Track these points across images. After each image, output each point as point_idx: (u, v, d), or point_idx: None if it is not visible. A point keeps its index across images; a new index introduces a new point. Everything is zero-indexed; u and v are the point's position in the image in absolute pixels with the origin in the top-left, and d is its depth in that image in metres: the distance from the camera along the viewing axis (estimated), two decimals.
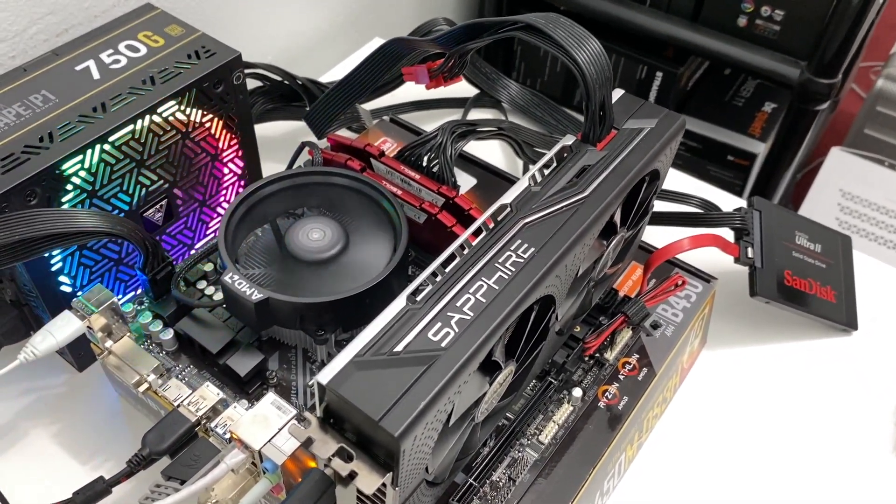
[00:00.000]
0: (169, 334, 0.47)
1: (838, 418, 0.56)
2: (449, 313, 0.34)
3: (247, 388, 0.46)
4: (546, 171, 0.41)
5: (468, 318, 0.34)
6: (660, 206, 0.58)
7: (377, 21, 0.91)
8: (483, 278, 0.35)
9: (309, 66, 0.83)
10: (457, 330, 0.33)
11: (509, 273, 0.36)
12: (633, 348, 0.50)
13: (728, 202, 0.69)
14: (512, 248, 0.37)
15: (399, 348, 0.32)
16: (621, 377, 0.49)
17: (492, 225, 0.38)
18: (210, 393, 0.45)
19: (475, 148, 0.64)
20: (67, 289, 0.49)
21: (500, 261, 0.36)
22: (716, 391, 0.56)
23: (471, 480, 0.43)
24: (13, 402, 0.52)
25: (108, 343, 0.46)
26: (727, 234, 0.57)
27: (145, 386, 0.46)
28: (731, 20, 0.86)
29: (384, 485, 0.32)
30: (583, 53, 0.39)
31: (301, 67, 0.82)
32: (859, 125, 1.25)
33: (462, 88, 0.74)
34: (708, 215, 0.56)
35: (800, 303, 0.57)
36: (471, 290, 0.35)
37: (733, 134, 0.99)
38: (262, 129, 0.66)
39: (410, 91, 0.72)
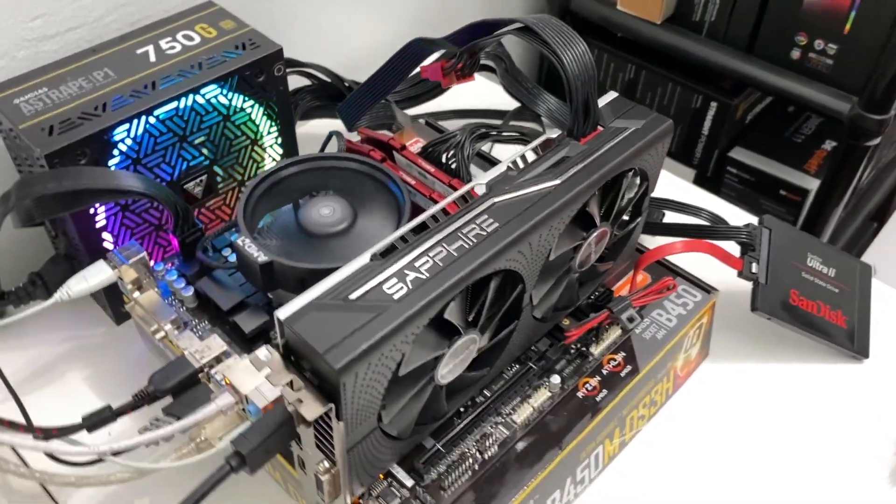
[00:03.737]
0: (189, 291, 0.52)
1: (839, 445, 0.55)
2: (406, 272, 0.37)
3: (251, 345, 0.50)
4: (529, 160, 0.44)
5: (423, 277, 0.37)
6: (669, 216, 0.60)
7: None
8: (444, 244, 0.38)
9: (360, 76, 0.88)
10: (410, 287, 0.36)
11: (470, 243, 0.39)
12: (621, 347, 0.52)
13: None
14: (478, 221, 0.40)
15: (354, 296, 0.36)
16: (604, 371, 0.51)
17: (467, 202, 0.41)
18: (216, 344, 0.49)
19: (501, 152, 0.67)
20: (109, 245, 0.55)
21: (464, 231, 0.39)
22: (712, 402, 0.57)
23: (439, 446, 0.45)
24: (55, 346, 0.58)
25: (136, 294, 0.52)
26: (735, 249, 0.57)
27: (162, 334, 0.50)
28: (785, 53, 0.87)
29: (329, 416, 0.35)
30: (568, 53, 0.42)
31: (357, 76, 0.87)
32: None
33: (505, 102, 0.78)
34: (714, 228, 0.58)
35: (804, 323, 0.57)
36: (431, 255, 0.38)
37: (788, 169, 0.99)
38: (308, 127, 0.72)
39: (452, 100, 0.76)
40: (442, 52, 0.53)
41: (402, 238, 0.39)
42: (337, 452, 0.37)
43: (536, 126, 0.78)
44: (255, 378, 0.44)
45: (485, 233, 0.39)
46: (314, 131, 0.73)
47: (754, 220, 0.70)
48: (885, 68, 0.78)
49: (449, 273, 0.37)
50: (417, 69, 0.55)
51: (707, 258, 0.56)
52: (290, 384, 0.36)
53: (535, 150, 0.44)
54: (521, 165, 0.43)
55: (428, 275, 0.37)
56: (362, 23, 0.86)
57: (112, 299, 0.58)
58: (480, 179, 0.42)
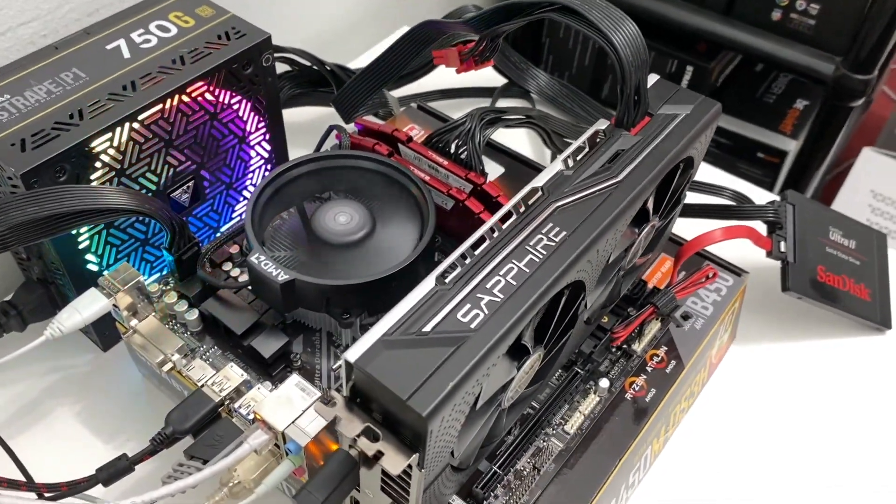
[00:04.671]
0: (194, 314, 0.47)
1: (869, 417, 0.54)
2: (479, 295, 0.33)
3: (270, 370, 0.46)
4: (578, 156, 0.40)
5: (498, 300, 0.33)
6: (691, 197, 0.57)
7: (406, 10, 0.90)
8: (514, 261, 0.35)
9: (337, 53, 0.82)
10: (487, 312, 0.33)
11: (541, 256, 0.35)
12: (662, 340, 0.50)
13: (758, 196, 0.68)
14: (543, 231, 0.36)
15: (428, 328, 0.32)
16: (649, 369, 0.48)
17: (522, 209, 0.38)
18: (234, 374, 0.44)
19: (503, 136, 0.63)
20: (94, 267, 0.49)
21: (531, 243, 0.35)
22: (744, 387, 0.55)
23: (495, 468, 0.42)
24: (38, 379, 0.52)
25: (134, 322, 0.46)
26: (759, 227, 0.56)
27: (169, 366, 0.45)
28: (765, 14, 0.85)
29: (410, 466, 0.31)
30: (619, 35, 0.39)
31: (329, 54, 0.82)
32: (891, 126, 1.23)
33: (490, 77, 0.74)
34: (740, 207, 0.55)
35: (833, 299, 0.56)
36: (501, 273, 0.34)
37: (764, 131, 0.98)
38: (290, 114, 0.66)
39: (438, 79, 0.72)
40: (458, 36, 0.48)
41: (462, 255, 0.35)
42: (412, 499, 0.33)
43: (528, 103, 0.74)
44: (290, 411, 0.39)
45: (554, 243, 0.35)
46: (298, 121, 0.68)
47: (745, 187, 0.69)
48: (870, 27, 0.77)
49: (525, 293, 0.33)
50: None
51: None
52: (366, 432, 0.31)
53: (584, 143, 0.40)
54: (571, 163, 0.40)
55: (503, 296, 0.33)
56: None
57: (98, 324, 0.52)
58: (536, 182, 0.38)
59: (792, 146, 0.96)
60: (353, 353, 0.31)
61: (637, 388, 0.47)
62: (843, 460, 0.52)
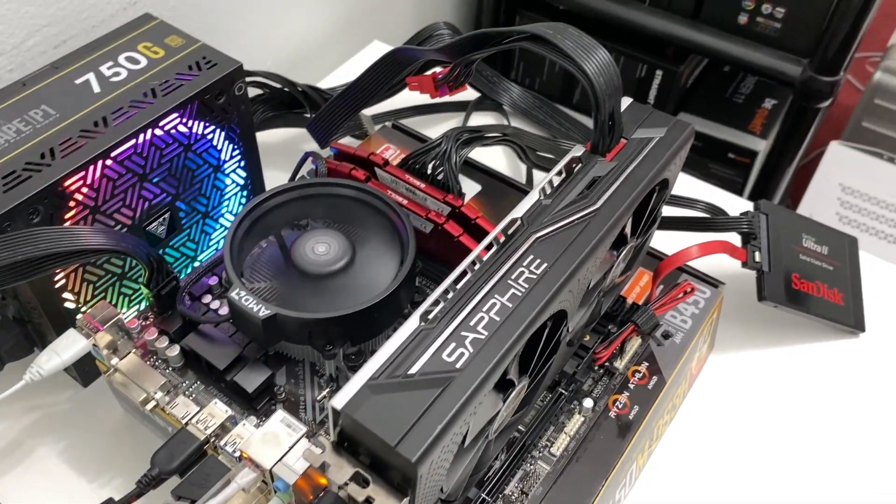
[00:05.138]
0: (175, 350, 0.47)
1: (848, 420, 0.55)
2: (463, 333, 0.33)
3: (255, 403, 0.46)
4: (556, 183, 0.40)
5: (482, 337, 0.33)
6: (667, 210, 0.58)
7: (376, 24, 0.90)
8: (496, 296, 0.35)
9: (309, 71, 0.82)
10: (471, 350, 0.33)
11: (522, 290, 0.35)
12: (643, 356, 0.50)
13: (729, 201, 0.69)
14: (524, 263, 0.36)
15: (413, 370, 0.32)
16: (631, 386, 0.49)
17: (503, 239, 0.38)
18: (218, 410, 0.44)
19: (479, 153, 0.63)
20: (71, 305, 0.49)
21: (512, 277, 0.36)
22: (724, 396, 0.56)
23: (483, 495, 0.42)
24: (18, 419, 0.52)
25: (114, 360, 0.46)
26: (734, 238, 0.56)
27: (153, 404, 0.45)
28: (732, 18, 0.86)
29: None
30: (592, 64, 0.39)
31: (301, 72, 0.81)
32: (857, 118, 1.24)
33: (463, 92, 0.74)
34: (715, 220, 0.56)
35: (808, 306, 0.57)
36: (484, 309, 0.34)
37: (734, 132, 0.99)
38: (263, 137, 0.66)
39: (411, 95, 0.72)
40: (425, 61, 0.48)
41: (445, 291, 0.35)
42: None
43: (501, 117, 0.75)
44: (277, 449, 0.39)
45: (535, 275, 0.36)
46: (272, 143, 0.68)
47: (716, 193, 0.70)
48: (835, 30, 0.78)
49: (509, 328, 0.34)
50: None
51: None
52: (355, 477, 0.32)
53: (560, 171, 0.41)
54: (549, 191, 0.40)
55: (487, 333, 0.33)
56: (294, 16, 0.79)
57: (77, 361, 0.51)
58: (515, 213, 0.38)
59: (762, 146, 0.97)
60: (339, 400, 0.31)
61: (620, 406, 0.48)
62: (823, 462, 0.53)
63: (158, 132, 0.48)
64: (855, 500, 0.51)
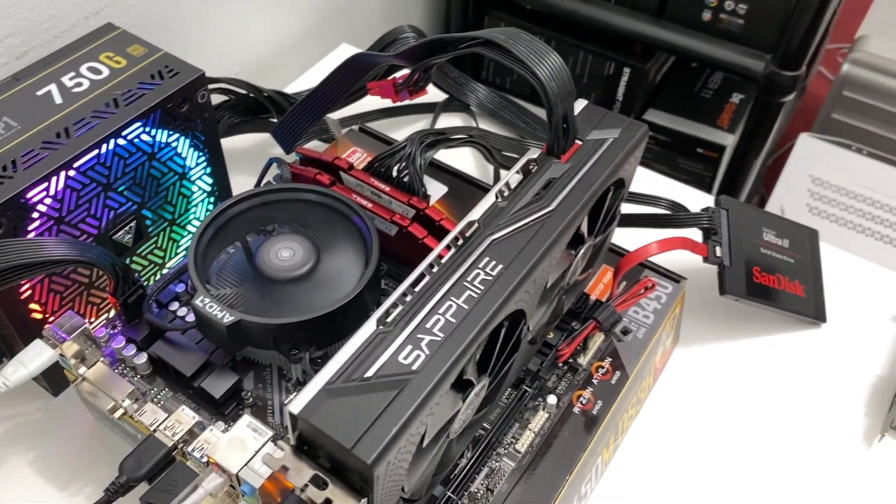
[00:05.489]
0: (143, 358, 0.47)
1: (811, 410, 0.57)
2: (419, 335, 0.34)
3: (222, 409, 0.46)
4: (512, 185, 0.41)
5: (438, 339, 0.34)
6: (628, 208, 0.59)
7: (343, 28, 0.91)
8: (452, 298, 0.35)
9: (277, 75, 0.82)
10: (427, 352, 0.33)
11: (478, 291, 0.36)
12: (606, 352, 0.51)
13: (695, 198, 0.70)
14: (480, 265, 0.37)
15: (370, 373, 0.33)
16: (595, 381, 0.50)
17: (460, 242, 0.38)
18: (186, 416, 0.45)
19: (445, 155, 0.64)
20: (38, 315, 0.49)
21: (468, 279, 0.36)
22: (690, 389, 0.57)
23: (449, 493, 0.43)
24: None
25: (82, 369, 0.46)
26: (696, 234, 0.57)
27: (121, 411, 0.45)
28: (696, 15, 0.87)
29: None
30: (543, 68, 0.40)
31: (269, 76, 0.82)
32: (827, 110, 1.26)
33: (430, 94, 0.74)
34: (676, 216, 0.57)
35: (769, 299, 0.58)
36: (440, 311, 0.35)
37: (702, 126, 1.00)
38: (230, 143, 0.66)
39: (378, 99, 0.72)
40: (387, 66, 0.49)
41: (403, 294, 0.36)
42: None
43: (469, 118, 0.75)
44: (243, 453, 0.40)
45: (491, 277, 0.36)
46: (239, 148, 0.68)
47: (683, 190, 0.71)
48: (796, 25, 0.79)
49: (465, 330, 0.34)
50: None
51: None
52: (314, 480, 0.32)
53: (517, 172, 0.41)
54: (506, 193, 0.41)
55: (443, 335, 0.34)
56: (260, 22, 0.80)
57: (46, 371, 0.52)
58: (471, 215, 0.39)
59: (730, 140, 0.98)
60: (296, 405, 0.31)
61: (584, 402, 0.48)
62: (787, 451, 0.54)
63: (121, 142, 0.49)
64: (820, 487, 0.52)
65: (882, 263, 0.66)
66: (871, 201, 1.19)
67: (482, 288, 0.36)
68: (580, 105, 0.45)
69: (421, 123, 0.75)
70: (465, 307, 0.35)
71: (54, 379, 0.53)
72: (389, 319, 0.35)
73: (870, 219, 1.18)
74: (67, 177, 0.46)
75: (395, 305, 0.35)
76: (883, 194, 1.18)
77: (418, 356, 0.33)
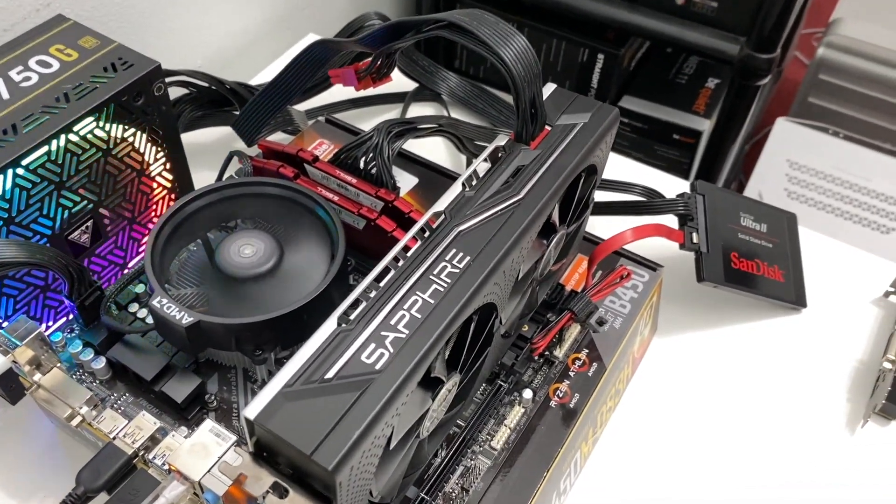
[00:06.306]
0: (101, 363, 0.45)
1: (793, 397, 0.56)
2: (383, 333, 0.32)
3: (185, 413, 0.45)
4: (480, 174, 0.40)
5: (403, 336, 0.32)
6: (602, 195, 0.58)
7: (310, 17, 0.88)
8: (418, 292, 0.34)
9: (242, 68, 0.80)
10: (392, 350, 0.32)
11: (445, 285, 0.34)
12: (583, 343, 0.50)
13: (672, 184, 0.69)
14: (447, 258, 0.35)
15: (330, 374, 0.31)
16: (571, 374, 0.48)
17: (427, 233, 0.37)
18: (147, 422, 0.43)
19: (416, 145, 0.62)
20: None
21: (434, 272, 0.35)
22: (669, 378, 0.56)
23: (422, 494, 0.42)
24: None
25: (37, 376, 0.44)
26: (672, 220, 0.56)
27: (79, 419, 0.43)
28: None
29: None
30: (509, 51, 0.38)
31: (235, 68, 0.79)
32: (804, 94, 1.26)
33: (401, 83, 0.73)
34: (651, 203, 0.56)
35: (748, 285, 0.57)
36: (405, 307, 0.33)
37: (678, 112, 0.99)
38: (193, 137, 0.64)
39: (347, 89, 0.70)
40: (348, 53, 0.47)
41: (367, 289, 0.34)
42: None
43: (441, 107, 0.74)
44: (206, 460, 0.38)
45: (458, 270, 0.35)
46: (202, 142, 0.66)
47: (659, 177, 0.70)
48: (770, 6, 0.78)
49: (431, 326, 0.33)
50: None
51: None
52: (274, 487, 0.31)
53: (485, 160, 0.40)
54: (474, 182, 0.39)
55: (407, 332, 0.33)
56: (223, 12, 0.77)
57: (2, 378, 0.50)
58: (438, 206, 0.37)
59: (706, 125, 0.97)
60: (252, 410, 0.30)
61: (561, 395, 0.47)
62: (769, 437, 0.53)
63: (73, 137, 0.47)
64: (805, 473, 0.51)
65: (861, 246, 0.65)
66: (848, 184, 1.18)
67: (449, 281, 0.34)
68: (549, 89, 0.44)
69: (391, 114, 0.73)
70: (432, 302, 0.34)
71: (10, 386, 0.50)
72: (352, 317, 0.33)
73: (848, 202, 1.18)
74: (16, 175, 0.44)
75: (357, 302, 0.34)
76: (860, 177, 1.18)
77: (382, 355, 0.32)
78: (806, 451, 0.53)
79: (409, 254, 0.36)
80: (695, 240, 0.55)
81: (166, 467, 0.41)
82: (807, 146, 1.21)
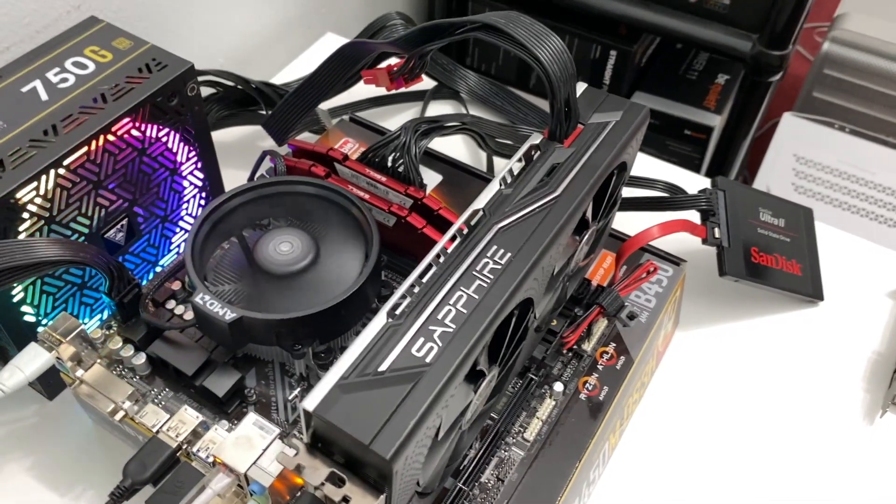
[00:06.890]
0: (141, 359, 0.46)
1: (812, 388, 0.57)
2: (431, 327, 0.33)
3: (226, 407, 0.46)
4: (515, 172, 0.40)
5: (450, 330, 0.33)
6: (626, 192, 0.59)
7: (328, 16, 0.89)
8: (462, 288, 0.35)
9: (262, 66, 0.81)
10: (440, 344, 0.33)
11: (488, 280, 0.35)
12: (610, 337, 0.51)
13: (688, 179, 0.69)
14: (488, 254, 0.36)
15: (383, 367, 0.32)
16: (600, 367, 0.49)
17: (466, 231, 0.38)
18: (189, 417, 0.44)
19: (437, 143, 0.63)
20: (31, 318, 0.48)
21: (477, 269, 0.36)
22: (691, 371, 0.57)
23: (460, 485, 0.43)
24: None
25: (79, 372, 0.45)
26: (693, 216, 0.57)
27: (121, 414, 0.45)
28: None
29: None
30: (545, 51, 0.39)
31: (254, 67, 0.80)
32: (808, 89, 1.27)
33: (420, 82, 0.74)
34: (674, 198, 0.57)
35: (767, 279, 0.58)
36: (451, 302, 0.34)
37: (689, 108, 1.00)
38: (219, 136, 0.65)
39: (367, 87, 0.71)
40: (378, 53, 0.48)
41: (411, 286, 0.35)
42: None
43: (459, 105, 0.74)
44: (251, 452, 0.39)
45: (500, 266, 0.36)
46: (229, 142, 0.67)
47: (673, 171, 0.70)
48: (782, 4, 0.79)
49: (476, 320, 0.34)
50: None
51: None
52: (331, 477, 0.32)
53: (519, 160, 0.41)
54: (509, 180, 0.40)
55: (455, 326, 0.34)
56: (243, 12, 0.78)
57: (42, 374, 0.51)
58: (476, 204, 0.38)
59: (717, 121, 0.98)
60: (310, 402, 0.31)
61: (590, 388, 0.48)
62: (791, 429, 0.54)
63: (111, 138, 0.48)
64: (824, 464, 0.53)
65: (870, 240, 0.67)
66: (855, 178, 1.19)
67: (492, 277, 0.35)
68: (580, 88, 0.45)
69: (411, 112, 0.74)
70: (476, 297, 0.35)
71: (49, 382, 0.52)
72: (399, 312, 0.34)
73: (855, 196, 1.18)
74: (57, 175, 0.45)
75: (403, 297, 0.35)
76: (867, 171, 1.19)
77: (431, 348, 0.33)
78: (825, 441, 0.54)
79: (450, 251, 0.37)
80: (717, 235, 0.56)
81: (210, 460, 0.42)
82: (813, 141, 1.22)
